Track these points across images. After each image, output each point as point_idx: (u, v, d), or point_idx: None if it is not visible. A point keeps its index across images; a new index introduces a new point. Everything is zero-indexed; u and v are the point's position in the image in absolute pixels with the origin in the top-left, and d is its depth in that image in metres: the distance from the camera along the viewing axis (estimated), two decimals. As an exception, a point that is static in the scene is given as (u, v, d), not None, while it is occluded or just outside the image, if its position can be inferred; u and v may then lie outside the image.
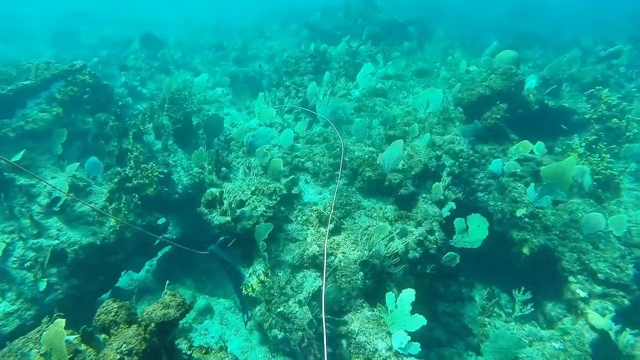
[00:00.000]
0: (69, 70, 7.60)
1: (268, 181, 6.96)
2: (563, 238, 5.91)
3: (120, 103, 8.59)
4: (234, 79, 13.61)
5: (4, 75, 7.75)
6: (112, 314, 3.68)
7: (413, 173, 6.78)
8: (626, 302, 5.28)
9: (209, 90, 11.97)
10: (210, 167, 7.18)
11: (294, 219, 6.52)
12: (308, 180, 7.50)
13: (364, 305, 4.89)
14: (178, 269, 8.05)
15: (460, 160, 7.45)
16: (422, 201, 6.71)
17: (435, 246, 5.94)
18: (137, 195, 6.76)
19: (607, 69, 8.84)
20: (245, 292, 5.67)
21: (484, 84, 7.71)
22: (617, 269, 5.44)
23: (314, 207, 6.05)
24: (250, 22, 21.66)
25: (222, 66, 15.11)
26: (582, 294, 5.43)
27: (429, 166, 6.89)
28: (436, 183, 6.69)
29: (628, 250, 5.69)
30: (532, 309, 5.87)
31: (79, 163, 6.79)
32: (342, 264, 5.26)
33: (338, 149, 7.38)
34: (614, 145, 7.38)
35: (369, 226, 5.78)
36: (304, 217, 6.47)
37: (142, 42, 14.29)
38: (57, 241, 6.29)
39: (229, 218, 6.19)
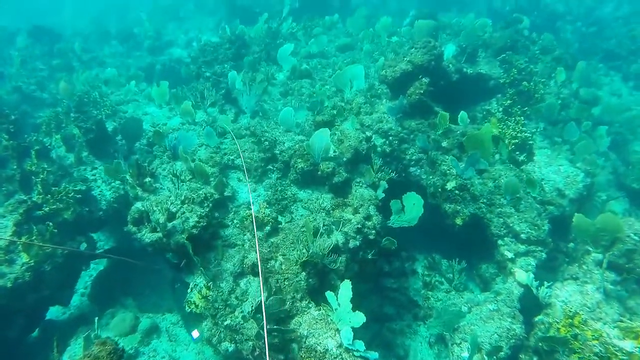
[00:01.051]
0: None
1: (198, 186, 6.60)
2: (490, 205, 6.28)
3: (13, 117, 7.54)
4: (151, 72, 12.62)
5: None
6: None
7: (345, 159, 6.76)
8: (544, 255, 5.81)
9: (123, 87, 10.94)
10: (132, 179, 6.63)
11: (230, 223, 6.29)
12: (240, 178, 7.23)
13: (310, 305, 4.88)
14: (116, 288, 7.55)
15: (390, 138, 7.54)
16: (357, 186, 6.75)
17: (374, 231, 6.04)
18: (51, 224, 6.10)
19: (514, 33, 9.26)
20: (189, 309, 5.43)
21: (405, 59, 7.74)
22: (536, 227, 5.92)
23: (248, 212, 5.85)
24: (160, 2, 19.92)
25: (135, 57, 13.91)
26: (509, 255, 5.86)
27: (359, 150, 6.90)
28: (368, 166, 6.73)
29: (543, 207, 6.19)
30: (466, 278, 6.28)
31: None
32: (283, 267, 5.18)
33: (267, 143, 7.14)
34: (526, 107, 7.85)
35: (305, 224, 5.70)
36: (240, 219, 6.27)
37: (32, 36, 12.60)
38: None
39: (160, 234, 5.81)
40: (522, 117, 7.47)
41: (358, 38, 11.70)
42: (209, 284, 5.54)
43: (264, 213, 5.75)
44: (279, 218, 6.34)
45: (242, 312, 5.12)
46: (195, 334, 5.52)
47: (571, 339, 4.42)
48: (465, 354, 4.90)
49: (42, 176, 6.50)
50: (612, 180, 7.91)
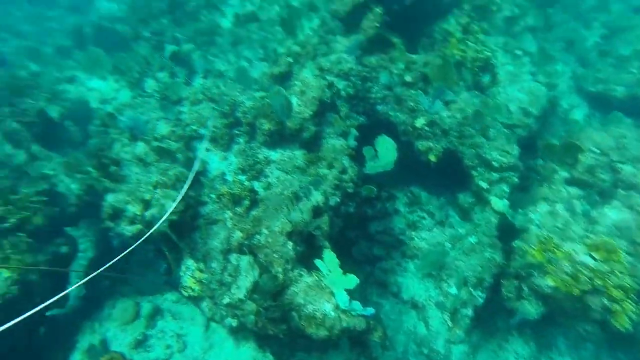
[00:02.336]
0: None
1: (167, 165, 6.38)
2: (461, 137, 6.32)
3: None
4: (79, 36, 11.28)
5: None
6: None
7: (311, 113, 6.53)
8: (516, 179, 6.03)
9: (52, 62, 9.88)
10: (96, 172, 6.31)
11: (207, 199, 6.20)
12: (208, 148, 6.96)
13: (302, 273, 5.06)
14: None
15: (352, 79, 7.26)
16: (328, 137, 6.65)
17: (351, 184, 6.09)
18: (23, 234, 5.88)
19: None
20: (187, 294, 5.57)
21: (356, -12, 7.14)
22: (506, 153, 6.06)
23: (223, 189, 5.72)
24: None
25: (56, 19, 12.34)
26: (484, 185, 6.07)
27: (324, 99, 6.65)
28: (335, 115, 6.57)
29: (511, 131, 6.29)
30: (446, 208, 6.54)
31: None
32: (269, 240, 5.25)
33: (227, 107, 6.77)
34: (484, 23, 7.52)
35: (283, 190, 5.67)
36: (217, 193, 6.17)
37: None
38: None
39: (139, 226, 5.73)
40: (481, 34, 7.21)
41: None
42: (200, 267, 5.64)
43: (240, 187, 5.65)
44: (256, 185, 6.28)
45: (238, 287, 5.31)
46: None
47: (545, 263, 4.81)
48: (453, 290, 5.31)
49: (-5, 187, 6.10)
50: (572, 86, 7.95)
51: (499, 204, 5.74)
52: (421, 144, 6.54)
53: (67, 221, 6.83)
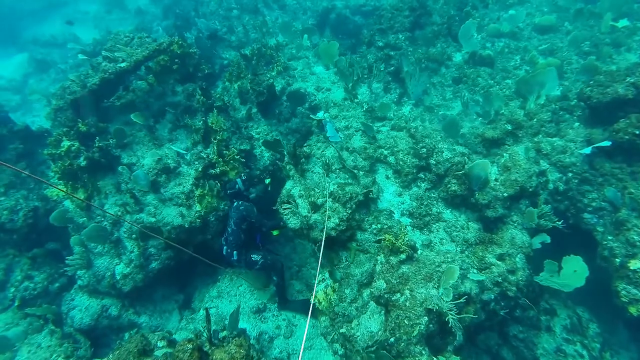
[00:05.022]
0: (157, 49, 7.66)
1: (346, 177, 6.74)
2: (685, 308, 4.97)
3: (207, 70, 8.58)
4: (324, 20, 12.56)
5: (109, 53, 8.12)
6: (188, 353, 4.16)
7: (506, 195, 5.99)
8: None
9: (296, 38, 11.26)
10: (288, 158, 7.10)
11: (367, 227, 6.36)
12: (389, 176, 7.05)
13: (424, 352, 4.85)
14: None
15: (569, 175, 6.33)
16: (511, 225, 6.03)
17: (514, 288, 5.46)
18: (218, 184, 7.09)
19: None
20: (313, 302, 5.94)
21: (627, 80, 6.05)
22: None
23: (386, 236, 5.74)
24: None
25: (314, 1, 13.89)
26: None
27: (526, 187, 5.99)
28: (532, 209, 5.86)
29: None
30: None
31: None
32: (407, 304, 5.13)
33: (424, 150, 6.69)
34: None
35: (441, 263, 5.42)
36: (378, 226, 6.28)
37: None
38: (154, 219, 7.07)
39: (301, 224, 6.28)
40: None
41: (567, 16, 9.45)
42: (335, 286, 5.93)
43: (402, 240, 5.61)
44: (417, 236, 6.18)
45: (358, 325, 5.43)
46: None
47: None
48: None
49: (218, 137, 7.41)
50: None
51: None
52: (623, 289, 5.36)
53: (250, 182, 7.91)
